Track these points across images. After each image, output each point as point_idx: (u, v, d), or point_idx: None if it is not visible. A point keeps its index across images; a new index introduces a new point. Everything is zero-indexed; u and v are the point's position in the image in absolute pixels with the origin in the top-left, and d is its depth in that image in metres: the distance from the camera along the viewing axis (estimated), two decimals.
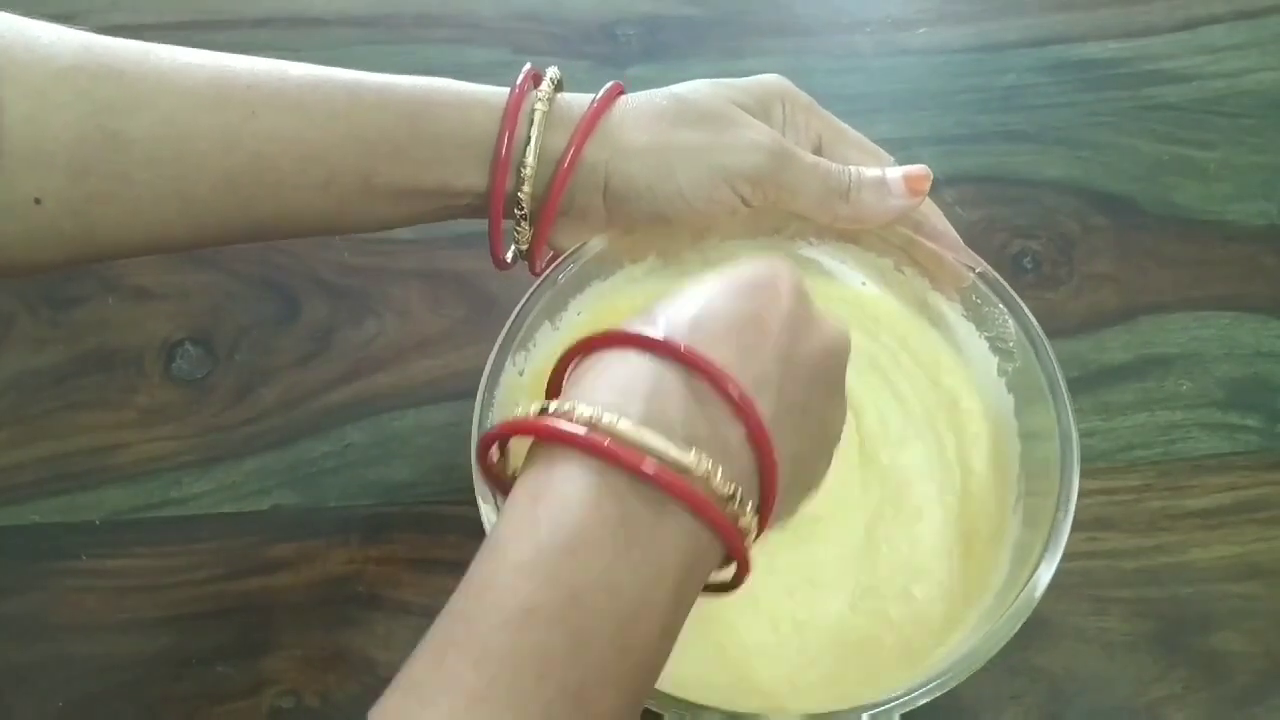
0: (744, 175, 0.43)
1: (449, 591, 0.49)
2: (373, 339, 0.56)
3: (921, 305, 0.48)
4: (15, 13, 0.39)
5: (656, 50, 0.66)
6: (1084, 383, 0.55)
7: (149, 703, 0.47)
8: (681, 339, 0.33)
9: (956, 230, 0.48)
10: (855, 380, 0.43)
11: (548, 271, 0.45)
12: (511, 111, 0.43)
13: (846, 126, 0.47)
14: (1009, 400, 0.46)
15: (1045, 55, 0.66)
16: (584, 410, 0.31)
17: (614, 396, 0.32)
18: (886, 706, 0.37)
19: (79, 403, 0.54)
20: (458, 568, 0.49)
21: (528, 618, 0.29)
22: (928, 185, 0.45)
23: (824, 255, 0.49)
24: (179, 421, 0.54)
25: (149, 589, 0.49)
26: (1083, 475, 0.41)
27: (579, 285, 0.47)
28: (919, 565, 0.44)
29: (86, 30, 0.40)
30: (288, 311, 0.57)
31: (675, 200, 0.44)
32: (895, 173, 0.45)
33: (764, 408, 0.33)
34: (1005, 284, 0.46)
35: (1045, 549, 0.40)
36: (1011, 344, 0.45)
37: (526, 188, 0.43)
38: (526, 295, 0.44)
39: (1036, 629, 0.41)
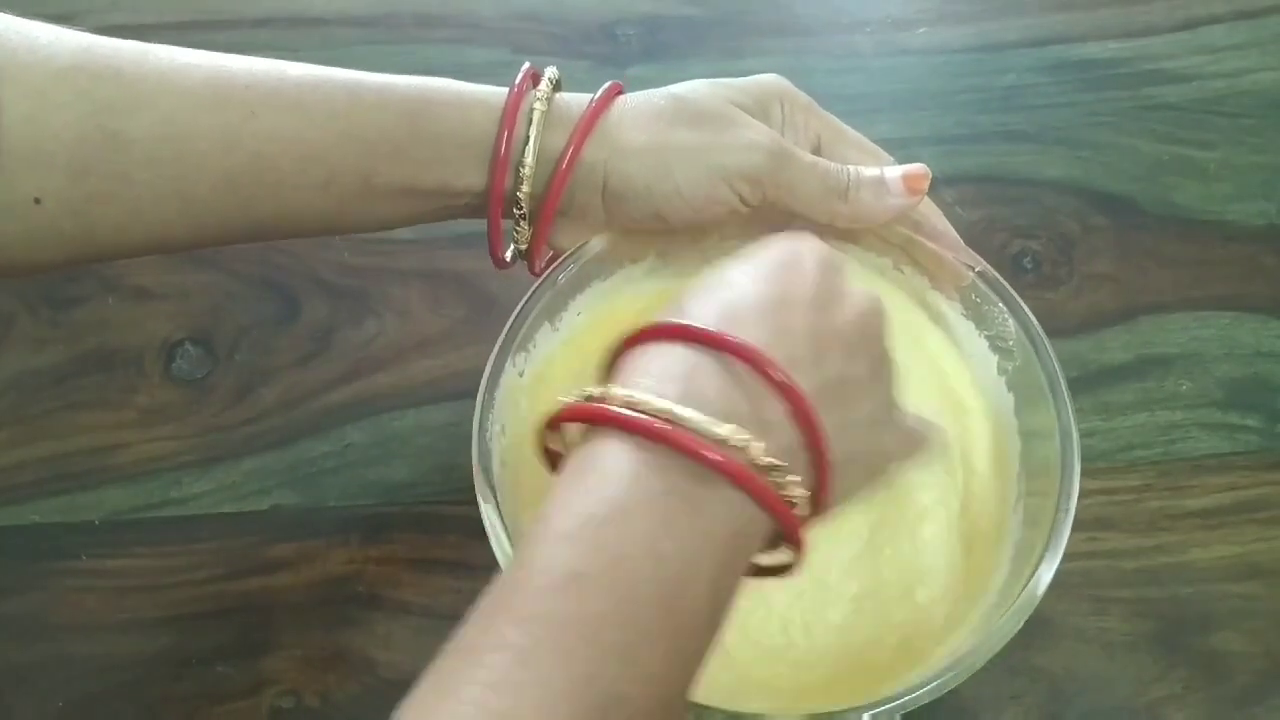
0: (743, 175, 0.43)
1: (449, 591, 0.50)
2: (373, 339, 0.56)
3: (921, 304, 0.48)
4: (14, 13, 0.39)
5: (656, 50, 0.66)
6: (1084, 383, 0.55)
7: (149, 703, 0.47)
8: (712, 326, 0.33)
9: (956, 230, 0.48)
10: None
11: (547, 272, 0.45)
12: (510, 111, 0.43)
13: (845, 126, 0.47)
14: (1009, 399, 0.46)
15: (1045, 55, 0.66)
16: (619, 392, 0.32)
17: (651, 380, 0.32)
18: (888, 706, 0.37)
19: (79, 403, 0.54)
20: (458, 568, 0.50)
21: (573, 583, 0.29)
22: (926, 184, 0.45)
23: None
24: (179, 421, 0.54)
25: (149, 589, 0.49)
26: (1083, 475, 0.41)
27: (579, 286, 0.47)
28: (922, 567, 0.44)
29: (86, 30, 0.40)
30: (288, 311, 0.57)
31: (674, 200, 0.44)
32: (894, 172, 0.45)
33: (803, 384, 0.33)
34: (1005, 283, 0.46)
35: (1046, 548, 0.39)
36: (1011, 343, 0.45)
37: (525, 187, 0.43)
38: (526, 296, 0.44)
39: (1036, 629, 0.41)
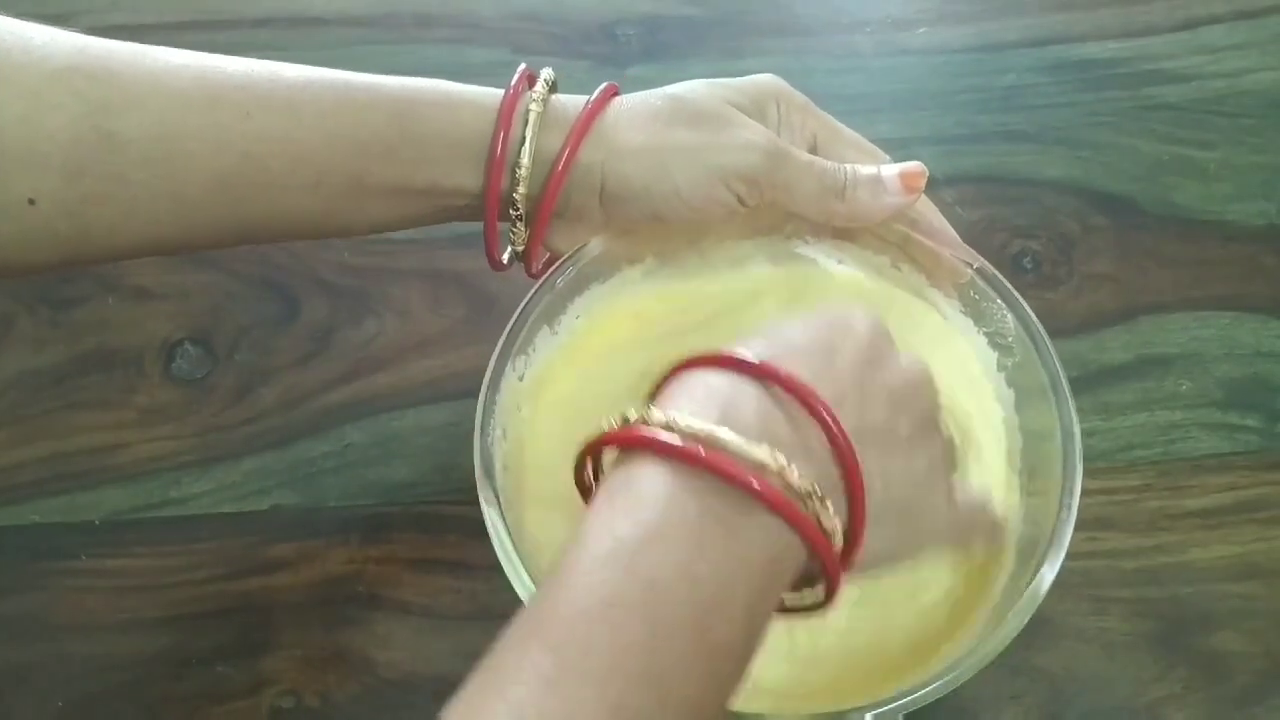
0: (740, 175, 0.43)
1: (449, 591, 0.50)
2: (372, 339, 0.56)
3: (920, 301, 0.48)
4: (13, 12, 0.39)
5: (656, 50, 0.66)
6: (1084, 383, 0.54)
7: (149, 703, 0.47)
8: (759, 359, 0.33)
9: (956, 230, 0.48)
10: None
11: (545, 276, 0.45)
12: (506, 112, 0.43)
13: (841, 125, 0.47)
14: (1009, 395, 0.46)
15: (1045, 55, 0.66)
16: (659, 415, 0.32)
17: (691, 404, 0.32)
18: (891, 706, 0.37)
19: (79, 403, 0.54)
20: (458, 567, 0.50)
21: (606, 609, 0.29)
22: (923, 182, 0.45)
23: (821, 253, 0.49)
24: (179, 421, 0.54)
25: (149, 589, 0.49)
26: (1083, 475, 0.41)
27: (577, 288, 0.47)
28: (925, 568, 0.43)
29: (85, 30, 0.40)
30: (287, 311, 0.57)
31: (672, 201, 0.44)
32: (891, 170, 0.45)
33: (844, 420, 0.33)
34: (1003, 279, 0.46)
35: (1049, 546, 0.39)
36: (1010, 339, 0.45)
37: (521, 188, 0.43)
38: (525, 299, 0.45)
39: (1037, 629, 0.40)
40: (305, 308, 0.57)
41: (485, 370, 0.43)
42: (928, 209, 0.48)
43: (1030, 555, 0.40)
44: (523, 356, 0.44)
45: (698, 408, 0.32)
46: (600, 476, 0.36)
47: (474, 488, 0.40)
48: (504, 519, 0.40)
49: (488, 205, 0.44)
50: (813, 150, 0.46)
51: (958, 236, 0.48)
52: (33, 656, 0.48)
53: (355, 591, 0.49)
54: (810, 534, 0.32)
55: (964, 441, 0.45)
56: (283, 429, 0.54)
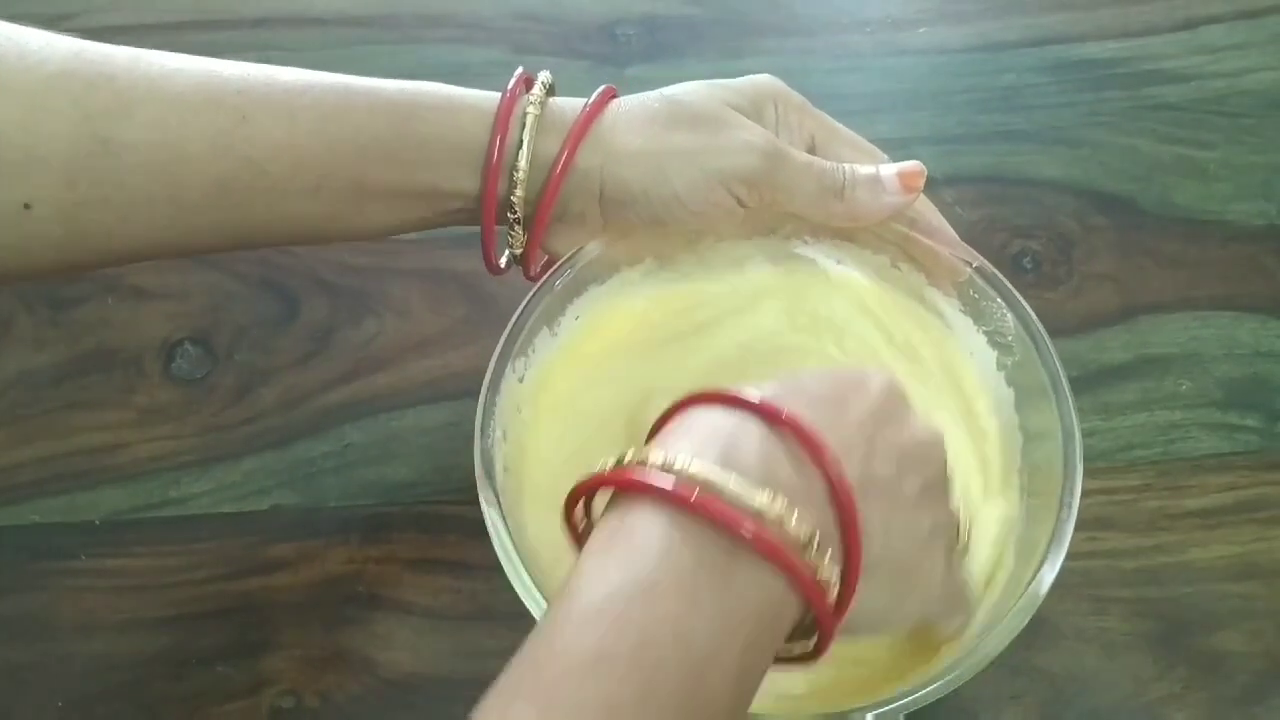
0: (739, 177, 0.43)
1: (449, 591, 0.50)
2: (372, 339, 0.56)
3: (919, 301, 0.48)
4: (14, 11, 0.39)
5: (656, 50, 0.66)
6: (1084, 383, 0.54)
7: (149, 703, 0.47)
8: (763, 399, 0.33)
9: (956, 230, 0.48)
10: None
11: (545, 277, 0.45)
12: (503, 116, 0.43)
13: (839, 125, 0.47)
14: (1009, 394, 0.46)
15: (1045, 55, 0.66)
16: (657, 456, 0.31)
17: (692, 444, 0.32)
18: (892, 706, 0.37)
19: (78, 402, 0.54)
20: (457, 567, 0.50)
21: (595, 666, 0.28)
22: (922, 181, 0.45)
23: (820, 253, 0.49)
24: (178, 421, 0.54)
25: (149, 589, 0.49)
26: (1083, 474, 0.41)
27: (576, 290, 0.47)
28: None
29: (85, 30, 0.40)
30: (287, 311, 0.57)
31: (671, 204, 0.44)
32: (889, 169, 0.45)
33: (849, 469, 0.32)
34: (1002, 278, 0.46)
35: (1049, 546, 0.39)
36: (1010, 338, 0.45)
37: (519, 192, 0.43)
38: (524, 301, 0.44)
39: (1037, 629, 0.40)
40: (305, 308, 0.57)
41: (485, 370, 0.43)
42: (926, 208, 0.48)
43: (1030, 555, 0.40)
44: (522, 358, 0.44)
45: (699, 447, 0.31)
46: (590, 515, 0.35)
47: (474, 487, 0.40)
48: (505, 520, 0.40)
49: (485, 209, 0.44)
50: (811, 150, 0.46)
51: (956, 235, 0.48)
52: (33, 656, 0.48)
53: (355, 591, 0.49)
54: (804, 583, 0.31)
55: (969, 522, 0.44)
56: (282, 429, 0.54)
